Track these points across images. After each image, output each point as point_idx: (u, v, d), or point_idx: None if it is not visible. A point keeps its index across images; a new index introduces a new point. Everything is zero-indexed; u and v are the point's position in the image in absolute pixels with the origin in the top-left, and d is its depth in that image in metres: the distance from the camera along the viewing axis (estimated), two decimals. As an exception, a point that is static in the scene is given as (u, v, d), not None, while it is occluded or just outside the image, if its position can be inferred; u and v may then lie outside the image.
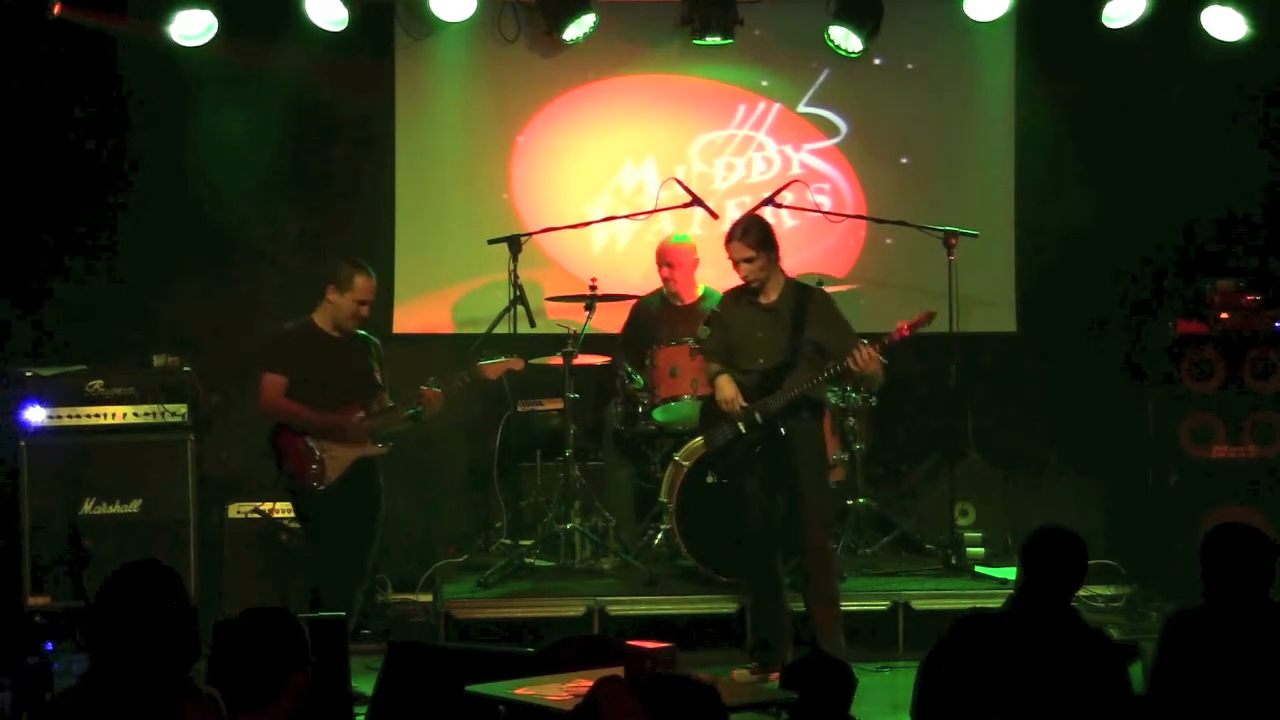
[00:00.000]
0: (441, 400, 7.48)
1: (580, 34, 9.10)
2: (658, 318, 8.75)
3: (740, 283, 7.33)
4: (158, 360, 8.51)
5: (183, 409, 8.33)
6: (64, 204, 9.03)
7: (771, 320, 7.22)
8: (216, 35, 8.76)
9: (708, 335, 8.09)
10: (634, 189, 9.49)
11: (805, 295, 7.28)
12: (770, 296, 7.24)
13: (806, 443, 7.19)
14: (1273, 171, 9.40)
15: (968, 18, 9.23)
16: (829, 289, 8.15)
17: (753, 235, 7.19)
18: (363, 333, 7.54)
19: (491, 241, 8.58)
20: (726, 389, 7.23)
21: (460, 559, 8.67)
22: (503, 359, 7.79)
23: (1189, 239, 9.46)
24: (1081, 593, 7.77)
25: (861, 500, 8.80)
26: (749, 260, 7.15)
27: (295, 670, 3.95)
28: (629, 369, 8.50)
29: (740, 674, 7.07)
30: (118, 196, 9.11)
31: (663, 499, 8.33)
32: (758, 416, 7.14)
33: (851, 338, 7.12)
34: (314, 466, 7.25)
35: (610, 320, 8.91)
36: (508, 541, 8.65)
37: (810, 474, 7.19)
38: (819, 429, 7.32)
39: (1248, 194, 9.39)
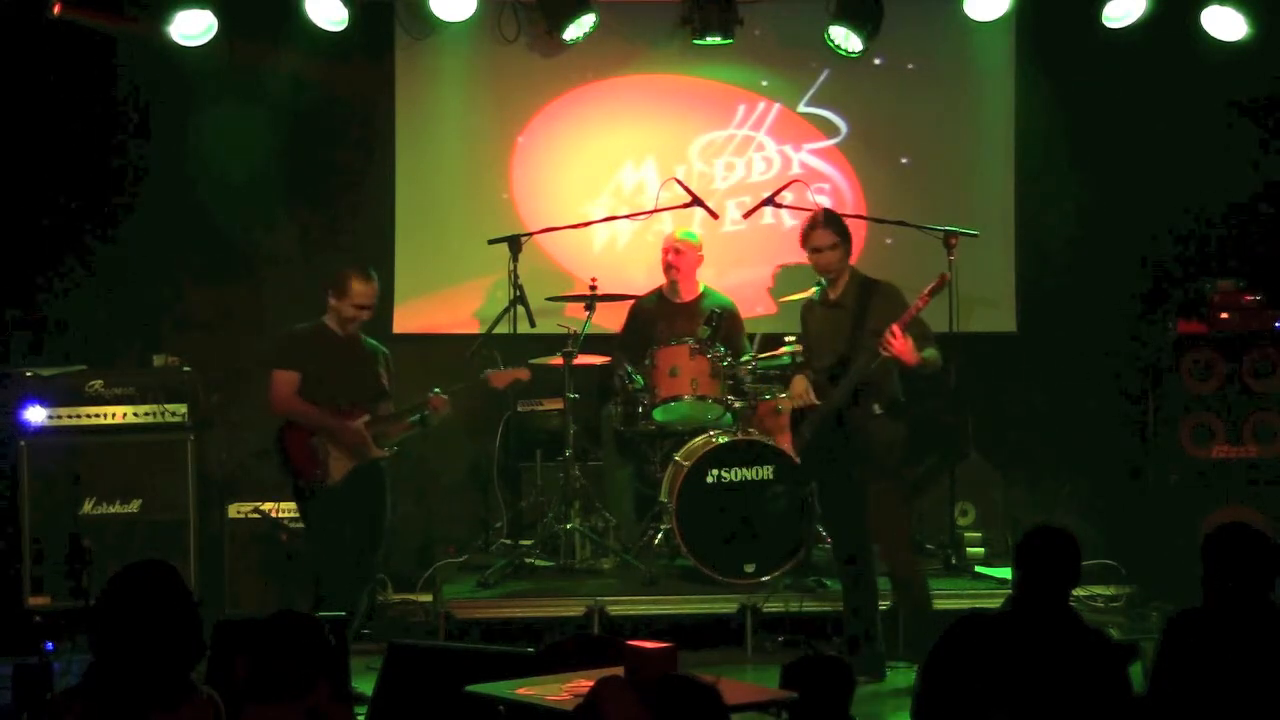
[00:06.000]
0: (448, 406, 7.48)
1: (580, 34, 9.10)
2: (656, 315, 8.76)
3: (810, 294, 7.56)
4: (158, 360, 8.53)
5: (183, 409, 8.34)
6: (64, 204, 9.03)
7: (838, 316, 7.32)
8: (216, 35, 8.77)
9: (710, 336, 8.20)
10: (634, 189, 9.49)
11: (871, 288, 7.35)
12: (837, 291, 7.34)
13: (879, 437, 7.22)
14: (1273, 171, 9.40)
15: (968, 18, 9.23)
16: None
17: (835, 224, 7.34)
18: (373, 341, 7.53)
19: (491, 241, 8.59)
20: (796, 385, 7.36)
21: (460, 559, 8.67)
22: (510, 370, 7.80)
23: (1189, 239, 9.46)
24: (1081, 593, 7.87)
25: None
26: (833, 247, 7.27)
27: (317, 675, 3.95)
28: (629, 369, 8.50)
29: None
30: (117, 197, 9.12)
31: (663, 499, 8.34)
32: (828, 411, 7.20)
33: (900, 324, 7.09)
34: (318, 469, 7.24)
35: (610, 320, 8.92)
36: (508, 541, 8.65)
37: (884, 468, 7.22)
38: (891, 424, 7.29)
39: (1248, 194, 9.39)
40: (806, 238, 7.37)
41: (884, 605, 7.48)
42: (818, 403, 7.26)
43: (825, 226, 7.32)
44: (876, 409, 7.22)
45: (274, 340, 7.59)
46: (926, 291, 7.16)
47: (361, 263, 7.50)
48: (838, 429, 7.22)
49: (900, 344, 7.01)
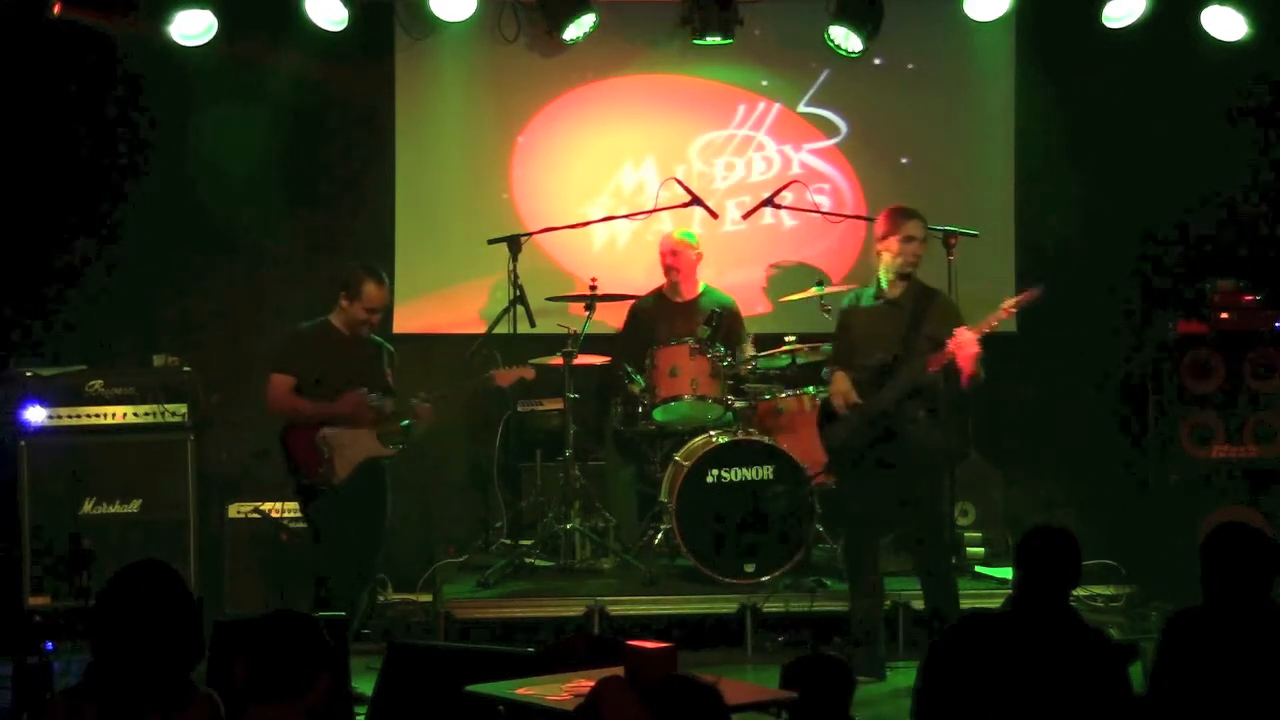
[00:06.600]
0: (432, 415, 7.42)
1: (580, 34, 9.10)
2: (656, 316, 8.76)
3: (856, 286, 7.60)
4: (158, 360, 8.53)
5: (183, 409, 8.34)
6: (64, 204, 9.03)
7: (892, 315, 7.25)
8: (216, 35, 8.77)
9: (710, 336, 8.18)
10: (634, 189, 9.49)
11: (930, 294, 7.32)
12: (895, 291, 7.28)
13: (922, 442, 7.14)
14: (1272, 171, 9.40)
15: (968, 18, 9.23)
16: (828, 290, 8.17)
17: (923, 220, 7.28)
18: (377, 338, 7.51)
19: (491, 241, 8.59)
20: (839, 383, 7.24)
21: (460, 559, 8.67)
22: (515, 367, 7.79)
23: (1189, 239, 9.46)
24: (1081, 593, 7.86)
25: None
26: (925, 239, 7.27)
27: (318, 671, 3.95)
28: (629, 369, 8.50)
29: None
30: (117, 197, 9.11)
31: (663, 499, 8.34)
32: (871, 412, 7.13)
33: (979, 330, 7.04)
34: (322, 468, 7.23)
35: (610, 320, 8.92)
36: (508, 541, 8.65)
37: (927, 477, 7.18)
38: (933, 429, 7.20)
39: (1248, 193, 9.39)
40: (897, 226, 7.19)
41: (884, 606, 7.49)
42: (859, 402, 7.18)
43: (919, 219, 7.23)
44: (921, 414, 7.16)
45: (274, 340, 7.58)
46: (1012, 303, 7.17)
47: (374, 266, 7.42)
48: (874, 430, 7.16)
49: (975, 351, 6.95)
